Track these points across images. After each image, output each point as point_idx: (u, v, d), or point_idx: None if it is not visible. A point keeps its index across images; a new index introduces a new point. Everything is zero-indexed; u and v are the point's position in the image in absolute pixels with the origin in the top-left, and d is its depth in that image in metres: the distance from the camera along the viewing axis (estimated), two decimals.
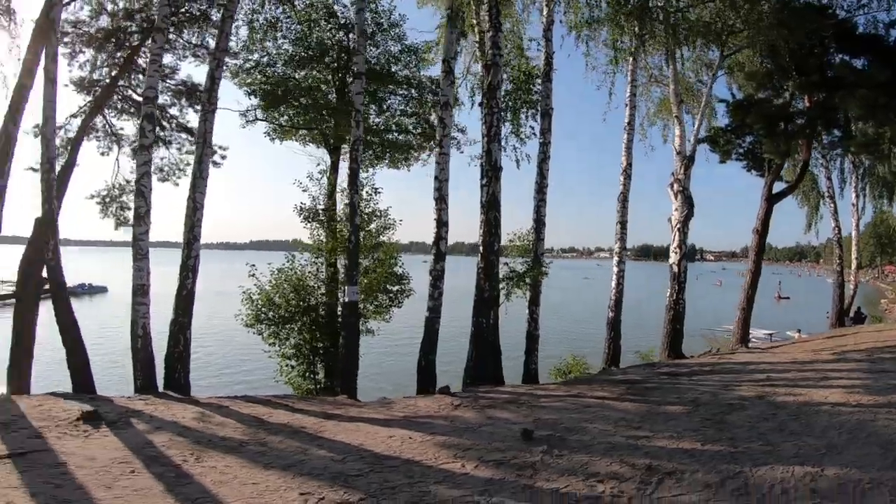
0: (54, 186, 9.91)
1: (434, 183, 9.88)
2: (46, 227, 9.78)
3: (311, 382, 10.86)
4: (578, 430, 5.95)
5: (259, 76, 12.50)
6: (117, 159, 13.79)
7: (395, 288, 11.76)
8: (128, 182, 13.72)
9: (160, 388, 9.28)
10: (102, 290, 48.40)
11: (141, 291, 9.30)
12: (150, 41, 12.71)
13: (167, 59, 13.15)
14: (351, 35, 12.47)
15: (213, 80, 10.05)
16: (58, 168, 10.70)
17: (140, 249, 9.34)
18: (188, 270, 9.50)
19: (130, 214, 13.78)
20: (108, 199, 13.73)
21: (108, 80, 12.89)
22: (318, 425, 6.52)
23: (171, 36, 12.99)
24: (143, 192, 9.43)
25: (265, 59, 12.69)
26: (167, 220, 12.91)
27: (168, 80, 13.42)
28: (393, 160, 14.17)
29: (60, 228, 10.27)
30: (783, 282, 61.82)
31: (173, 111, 14.14)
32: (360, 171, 10.32)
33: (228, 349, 21.95)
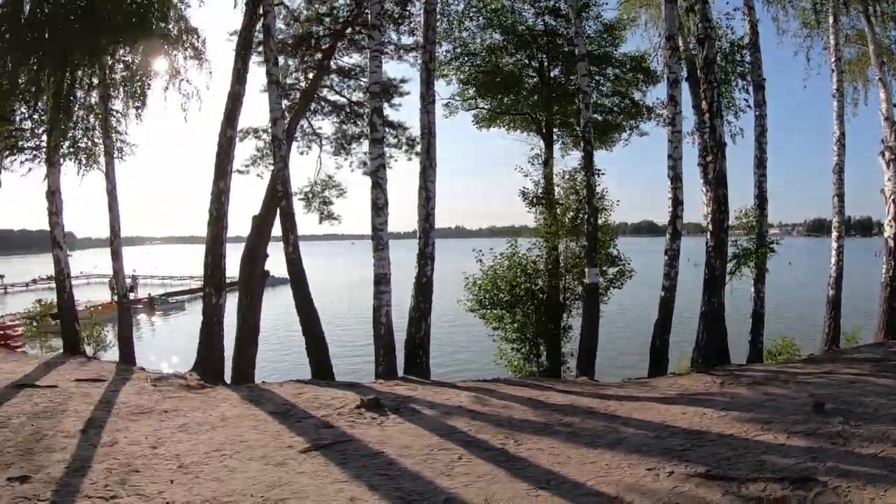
0: (290, 182, 10.58)
1: (668, 161, 9.55)
2: (286, 220, 10.43)
3: (535, 365, 10.94)
4: (857, 402, 5.87)
5: (460, 66, 12.69)
6: (319, 157, 14.62)
7: (613, 270, 11.59)
8: (330, 178, 14.58)
9: (399, 374, 9.45)
10: (284, 281, 52.10)
11: (383, 280, 9.65)
12: (339, 43, 13.40)
13: (356, 58, 13.76)
14: (546, 19, 12.45)
15: (429, 71, 10.19)
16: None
17: (380, 240, 9.72)
18: (426, 258, 9.71)
19: (333, 209, 14.73)
20: (310, 196, 14.64)
21: (305, 84, 13.57)
22: (604, 405, 6.50)
23: (357, 37, 13.53)
24: (379, 184, 9.81)
25: (458, 49, 12.86)
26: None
27: (361, 78, 13.89)
28: (600, 141, 13.91)
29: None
30: None
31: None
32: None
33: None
